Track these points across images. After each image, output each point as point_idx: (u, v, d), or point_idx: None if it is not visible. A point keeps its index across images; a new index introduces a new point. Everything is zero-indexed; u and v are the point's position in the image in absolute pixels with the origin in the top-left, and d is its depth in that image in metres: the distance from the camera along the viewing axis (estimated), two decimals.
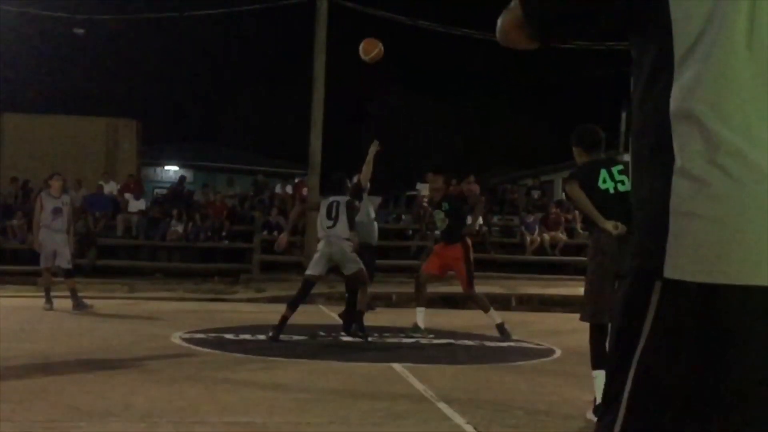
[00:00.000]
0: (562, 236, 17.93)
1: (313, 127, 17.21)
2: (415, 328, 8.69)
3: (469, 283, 8.61)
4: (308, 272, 8.18)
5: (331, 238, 8.09)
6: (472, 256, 8.71)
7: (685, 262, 1.25)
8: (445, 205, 8.63)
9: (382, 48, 7.79)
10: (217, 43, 35.17)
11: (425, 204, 16.19)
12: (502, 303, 13.81)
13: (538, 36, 1.44)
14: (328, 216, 8.14)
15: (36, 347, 7.05)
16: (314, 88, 17.13)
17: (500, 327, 8.67)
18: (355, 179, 8.81)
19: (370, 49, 7.75)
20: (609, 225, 4.75)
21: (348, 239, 8.11)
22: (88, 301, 10.68)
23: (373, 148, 8.54)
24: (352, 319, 8.46)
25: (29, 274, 14.07)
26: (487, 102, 35.23)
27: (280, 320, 7.90)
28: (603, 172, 4.96)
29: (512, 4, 1.45)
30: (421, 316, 8.74)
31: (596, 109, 20.47)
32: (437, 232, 9.08)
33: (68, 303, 10.49)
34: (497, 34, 1.51)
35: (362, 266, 8.15)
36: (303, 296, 8.16)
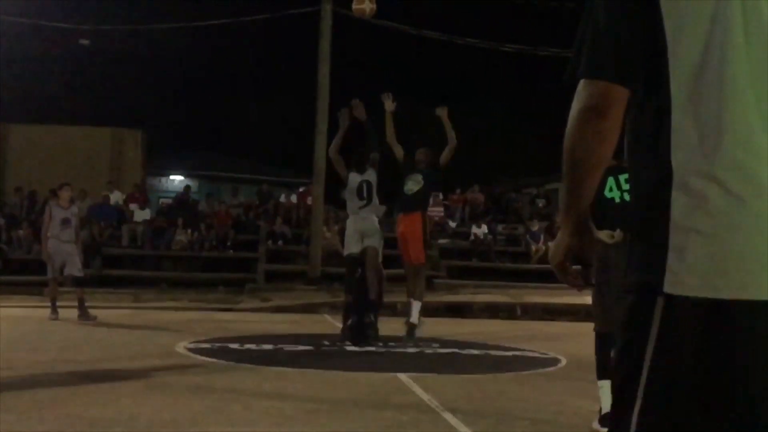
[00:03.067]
0: None
1: (318, 136, 17.25)
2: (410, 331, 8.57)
3: (421, 254, 8.52)
4: (346, 252, 8.49)
5: (362, 214, 8.40)
6: (428, 230, 8.81)
7: (686, 277, 1.24)
8: (426, 171, 8.70)
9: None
10: (222, 53, 35.25)
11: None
12: (507, 312, 13.82)
13: (612, 71, 1.39)
14: (360, 196, 8.44)
15: (41, 357, 7.06)
16: (318, 98, 17.18)
17: (411, 326, 8.52)
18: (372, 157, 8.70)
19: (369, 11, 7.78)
20: (603, 235, 4.71)
21: (377, 216, 8.50)
22: (93, 312, 10.66)
23: (388, 104, 8.58)
24: (358, 328, 8.47)
25: (35, 284, 14.09)
26: (491, 111, 35.20)
27: (345, 308, 8.39)
28: (610, 180, 4.90)
29: (575, 101, 1.45)
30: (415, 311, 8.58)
31: None
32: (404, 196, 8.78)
33: (74, 313, 10.48)
34: (583, 133, 1.44)
35: (380, 249, 8.37)
36: (351, 277, 8.39)
